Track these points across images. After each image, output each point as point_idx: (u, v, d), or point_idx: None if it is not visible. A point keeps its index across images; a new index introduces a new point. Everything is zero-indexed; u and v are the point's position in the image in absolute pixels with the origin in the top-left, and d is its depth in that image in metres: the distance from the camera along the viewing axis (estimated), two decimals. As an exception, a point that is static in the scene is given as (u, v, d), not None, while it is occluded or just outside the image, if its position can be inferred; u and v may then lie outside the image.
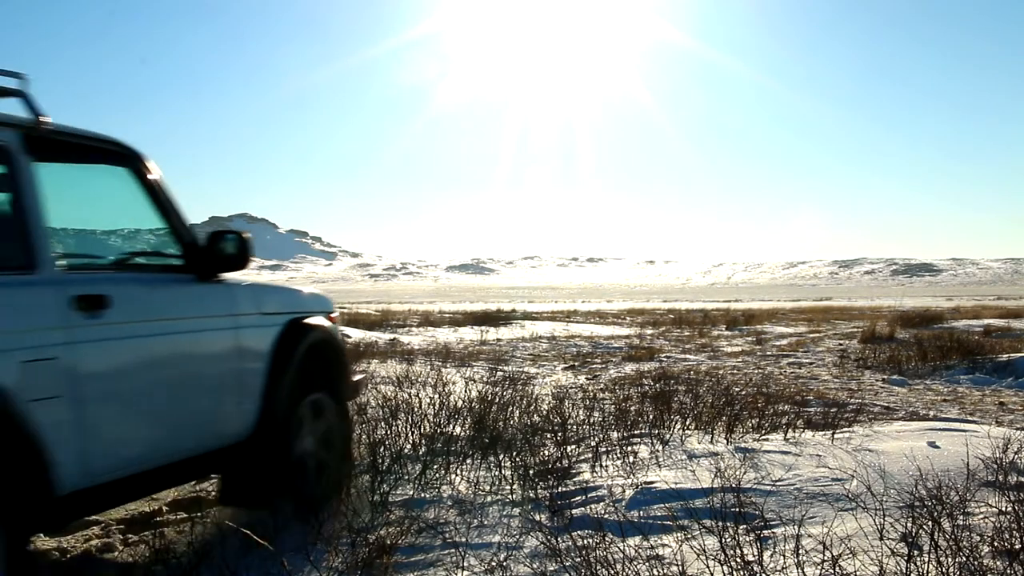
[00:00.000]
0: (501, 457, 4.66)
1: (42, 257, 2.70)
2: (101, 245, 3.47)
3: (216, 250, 3.42)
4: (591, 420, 5.81)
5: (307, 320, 4.02)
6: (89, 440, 2.75)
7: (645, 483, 4.05)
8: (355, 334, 18.82)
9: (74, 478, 2.66)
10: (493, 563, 3.17)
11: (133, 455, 3.00)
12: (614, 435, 5.20)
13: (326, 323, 4.18)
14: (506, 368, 11.98)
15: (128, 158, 3.27)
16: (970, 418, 6.96)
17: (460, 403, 5.94)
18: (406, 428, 5.32)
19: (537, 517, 3.68)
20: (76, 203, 3.52)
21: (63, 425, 2.62)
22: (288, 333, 3.83)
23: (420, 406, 5.88)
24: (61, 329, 2.66)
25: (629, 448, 4.77)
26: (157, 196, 3.35)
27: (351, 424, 4.49)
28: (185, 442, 3.30)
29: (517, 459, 4.61)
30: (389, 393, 6.73)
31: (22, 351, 2.49)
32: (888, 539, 2.97)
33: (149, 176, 3.32)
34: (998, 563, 2.71)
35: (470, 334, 21.79)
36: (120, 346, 2.93)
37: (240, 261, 3.48)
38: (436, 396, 6.21)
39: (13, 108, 2.82)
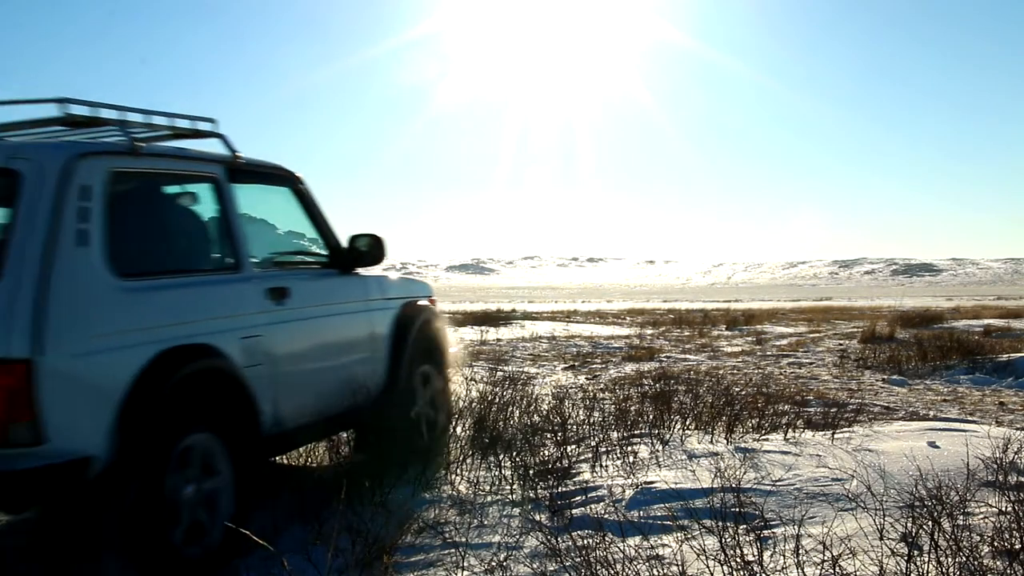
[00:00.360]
0: (501, 457, 4.66)
1: (244, 260, 3.65)
2: (269, 246, 4.33)
3: (353, 250, 4.37)
4: (591, 420, 5.81)
5: (418, 303, 4.96)
6: (280, 397, 3.65)
7: (645, 483, 4.05)
8: (355, 334, 18.80)
9: (269, 425, 3.58)
10: (493, 563, 3.17)
11: (306, 410, 3.90)
12: (614, 435, 5.20)
13: (430, 305, 5.11)
14: (506, 368, 11.98)
15: (290, 180, 4.22)
16: (970, 418, 6.96)
17: (460, 403, 5.94)
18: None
19: (537, 517, 3.68)
20: (256, 215, 4.33)
21: (265, 386, 3.51)
22: (404, 314, 4.75)
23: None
24: (261, 313, 3.60)
25: (629, 448, 4.77)
26: (309, 208, 4.31)
27: (450, 389, 5.31)
28: (339, 400, 4.14)
29: (517, 459, 4.61)
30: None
31: (240, 330, 3.45)
32: (888, 539, 2.97)
33: (304, 193, 4.28)
34: (998, 563, 2.71)
35: (470, 334, 21.80)
36: (297, 326, 3.85)
37: (374, 258, 4.43)
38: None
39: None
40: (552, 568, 3.07)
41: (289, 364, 3.78)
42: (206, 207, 3.76)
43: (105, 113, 3.31)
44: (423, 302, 5.06)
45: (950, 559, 2.63)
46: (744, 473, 4.08)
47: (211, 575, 3.19)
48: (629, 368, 11.81)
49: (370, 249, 4.41)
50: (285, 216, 4.33)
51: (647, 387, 7.71)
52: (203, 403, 3.22)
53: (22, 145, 3.17)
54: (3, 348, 2.61)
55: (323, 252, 4.40)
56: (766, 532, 3.23)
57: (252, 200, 3.99)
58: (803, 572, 2.78)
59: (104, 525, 2.82)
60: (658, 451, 4.68)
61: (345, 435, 4.93)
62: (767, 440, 4.91)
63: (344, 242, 4.43)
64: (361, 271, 4.55)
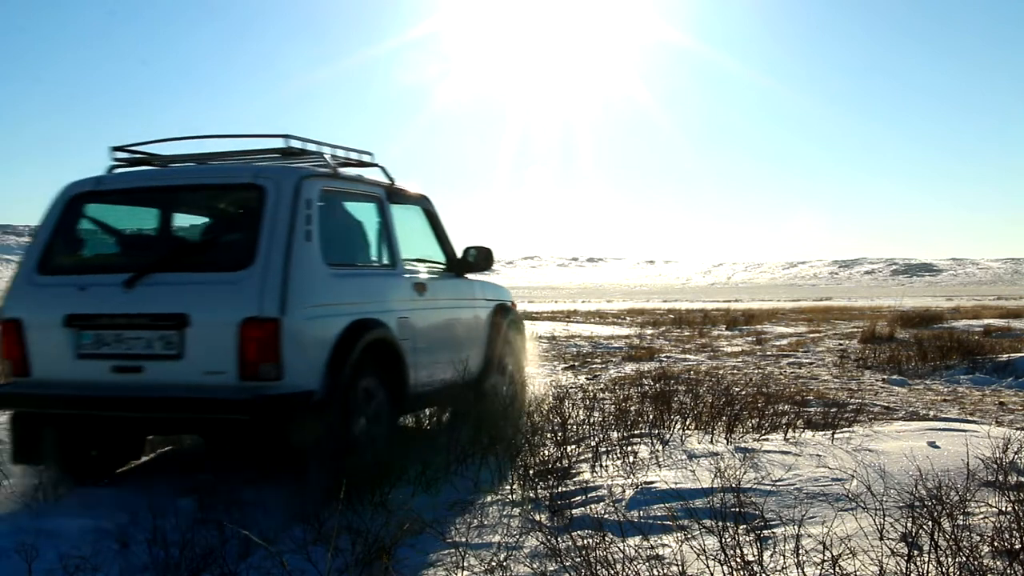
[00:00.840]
0: (501, 457, 4.66)
1: (398, 261, 4.85)
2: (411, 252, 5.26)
3: (464, 258, 5.56)
4: (591, 420, 5.80)
5: (506, 304, 6.15)
6: (418, 364, 4.72)
7: (645, 483, 4.05)
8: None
9: (411, 385, 4.67)
10: (493, 563, 3.17)
11: (433, 378, 5.00)
12: (614, 435, 5.20)
13: (513, 307, 6.30)
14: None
15: (423, 201, 5.41)
16: (970, 418, 6.95)
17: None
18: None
19: (537, 517, 3.68)
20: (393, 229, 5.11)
21: (410, 354, 4.60)
22: (497, 312, 5.96)
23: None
24: (409, 301, 4.76)
25: (629, 448, 4.77)
26: (434, 223, 5.52)
27: (524, 373, 6.58)
28: (453, 374, 5.20)
29: (517, 459, 4.61)
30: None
31: (397, 312, 4.58)
32: (888, 539, 2.97)
33: (431, 211, 5.49)
34: (998, 563, 2.71)
35: (470, 334, 21.77)
36: (431, 313, 5.03)
37: (483, 266, 5.60)
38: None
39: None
40: (552, 568, 3.07)
41: (425, 341, 4.89)
42: (372, 220, 4.90)
43: (295, 143, 4.49)
44: (507, 304, 6.25)
45: (950, 559, 2.63)
46: (744, 473, 4.07)
47: (371, 468, 4.12)
48: (629, 368, 11.81)
49: (480, 258, 5.57)
50: (418, 230, 5.43)
51: (647, 387, 7.71)
52: (375, 359, 4.37)
53: (264, 167, 4.22)
54: (258, 309, 3.73)
55: (442, 260, 5.56)
56: (766, 532, 3.23)
57: (397, 215, 5.09)
58: (803, 572, 2.78)
59: (317, 435, 3.87)
60: (658, 451, 4.68)
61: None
62: (767, 440, 4.91)
63: (459, 252, 5.61)
64: (469, 276, 5.76)
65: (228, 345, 3.79)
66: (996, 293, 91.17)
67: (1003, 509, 3.22)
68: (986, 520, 3.20)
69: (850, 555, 2.82)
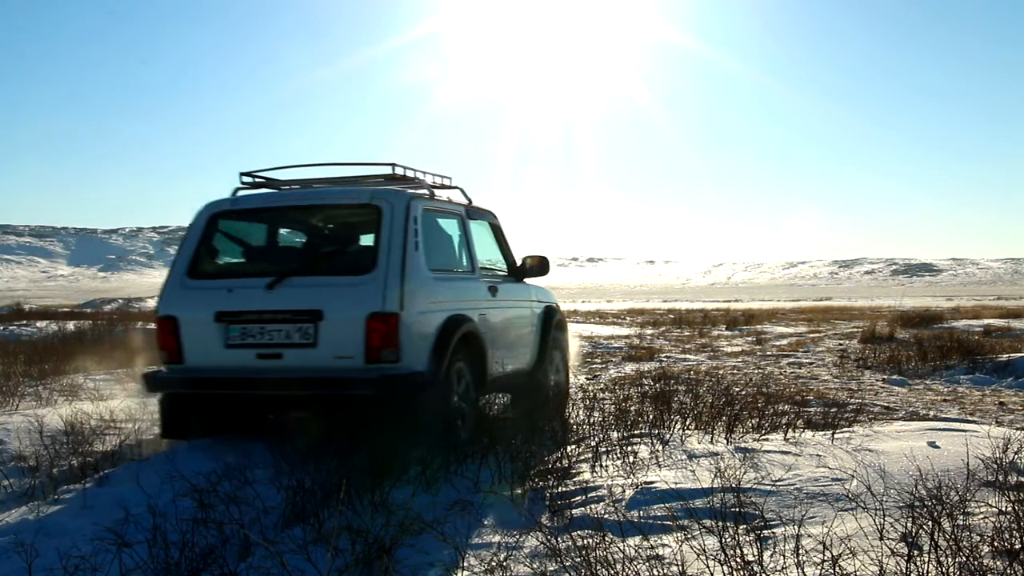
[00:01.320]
0: (501, 457, 4.66)
1: (476, 268, 5.72)
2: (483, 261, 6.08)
3: (523, 265, 6.36)
4: (591, 420, 5.81)
5: (553, 306, 6.94)
6: (492, 353, 5.52)
7: (645, 483, 4.05)
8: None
9: (488, 370, 5.49)
10: (493, 563, 3.17)
11: (503, 366, 5.74)
12: (614, 435, 5.20)
13: (558, 308, 7.09)
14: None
15: (491, 216, 6.30)
16: (970, 418, 6.95)
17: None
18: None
19: (537, 517, 3.68)
20: (473, 240, 5.96)
21: (488, 346, 5.41)
22: (547, 313, 6.72)
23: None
24: (486, 301, 5.58)
25: (629, 448, 4.77)
26: (499, 236, 6.38)
27: (568, 365, 7.39)
28: (515, 364, 6.04)
29: (517, 459, 4.60)
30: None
31: (478, 309, 5.39)
32: (888, 539, 2.97)
33: (497, 226, 6.36)
34: (998, 563, 2.71)
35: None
36: (500, 312, 5.85)
37: (538, 272, 6.42)
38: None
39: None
40: (552, 568, 3.07)
41: (496, 335, 5.67)
42: (456, 233, 5.76)
43: (386, 168, 5.45)
44: (554, 306, 7.03)
45: (950, 559, 2.63)
46: (744, 473, 4.08)
47: (462, 434, 5.06)
48: (629, 368, 11.81)
49: (535, 265, 6.40)
50: (488, 242, 6.27)
51: (647, 387, 7.71)
52: (465, 348, 5.18)
53: (379, 190, 5.07)
54: (382, 306, 4.54)
55: (505, 268, 6.37)
56: (766, 532, 3.23)
57: (473, 228, 5.99)
58: (803, 572, 2.78)
59: (426, 407, 4.72)
60: (658, 451, 4.68)
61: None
62: (767, 440, 4.91)
63: (518, 260, 6.44)
64: (526, 280, 6.58)
65: (356, 335, 4.61)
66: (996, 293, 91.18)
67: (1003, 509, 3.22)
68: (986, 520, 3.20)
69: (850, 555, 2.82)
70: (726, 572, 2.75)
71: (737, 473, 4.03)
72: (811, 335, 19.12)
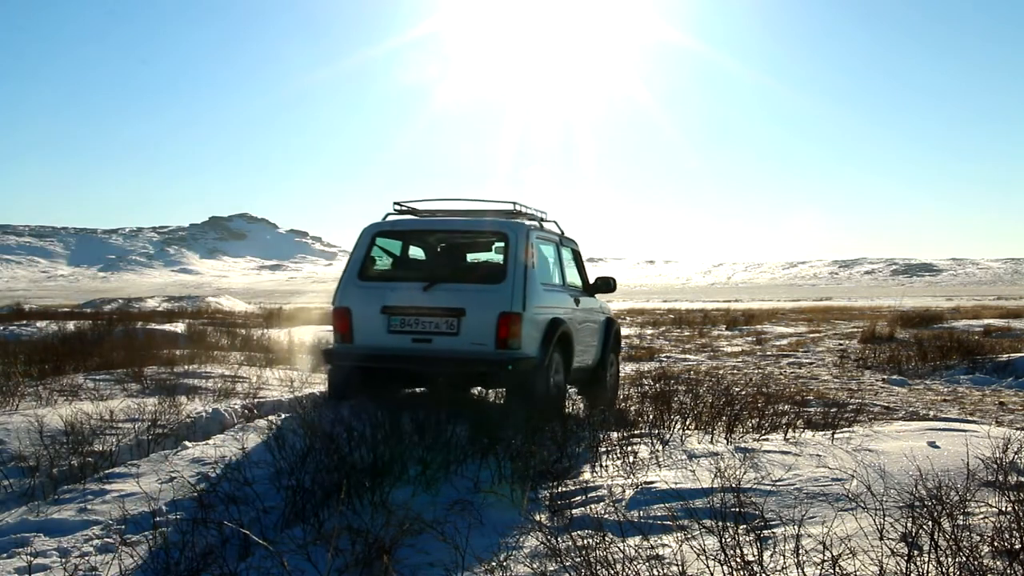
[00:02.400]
0: (501, 457, 4.66)
1: (566, 282, 7.15)
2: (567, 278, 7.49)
3: (596, 283, 7.80)
4: (591, 420, 5.80)
5: (612, 317, 8.47)
6: (576, 350, 6.83)
7: (645, 483, 4.05)
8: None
9: (573, 364, 6.84)
10: (493, 563, 3.17)
11: (580, 360, 7.09)
12: (614, 435, 5.20)
13: (615, 317, 8.64)
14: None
15: (573, 243, 7.72)
16: (970, 418, 6.95)
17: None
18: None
19: (537, 517, 3.68)
20: (564, 262, 7.43)
21: (574, 342, 6.76)
22: (608, 321, 8.24)
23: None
24: (572, 309, 6.85)
25: (629, 448, 4.77)
26: (579, 260, 7.84)
27: (619, 364, 8.97)
28: (587, 361, 7.50)
29: (517, 459, 4.60)
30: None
31: (568, 313, 6.76)
32: (888, 539, 2.97)
33: (576, 249, 7.81)
34: (998, 563, 2.71)
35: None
36: (580, 317, 7.13)
37: (604, 289, 7.86)
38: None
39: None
40: (552, 568, 3.07)
41: (578, 335, 7.02)
42: (553, 255, 7.12)
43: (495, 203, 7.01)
44: (612, 316, 8.54)
45: (950, 559, 2.63)
46: (744, 473, 4.07)
47: (558, 409, 6.36)
48: (629, 368, 11.81)
49: (602, 284, 7.84)
50: (570, 262, 7.59)
51: (647, 387, 7.72)
52: (561, 342, 6.53)
53: (506, 222, 6.54)
54: (509, 307, 5.99)
55: (581, 284, 7.76)
56: (766, 532, 3.23)
57: (561, 254, 7.42)
58: (803, 572, 2.78)
59: (537, 380, 6.10)
60: (658, 451, 4.68)
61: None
62: (767, 440, 4.91)
63: (591, 279, 7.89)
64: (598, 296, 8.09)
65: (489, 327, 6.05)
66: (996, 293, 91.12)
67: (1003, 509, 3.22)
68: (986, 520, 3.20)
69: (850, 555, 2.82)
70: (726, 572, 2.75)
71: (737, 473, 4.03)
72: (811, 335, 19.11)
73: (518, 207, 6.83)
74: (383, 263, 6.94)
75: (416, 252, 7.20)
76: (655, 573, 2.87)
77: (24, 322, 19.35)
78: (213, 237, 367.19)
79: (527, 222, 6.64)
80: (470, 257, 7.32)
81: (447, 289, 6.23)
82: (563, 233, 7.50)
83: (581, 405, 7.37)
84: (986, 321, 20.45)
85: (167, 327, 16.67)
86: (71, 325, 17.13)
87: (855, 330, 19.76)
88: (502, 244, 6.44)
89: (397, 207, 6.98)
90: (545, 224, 7.14)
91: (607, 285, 7.85)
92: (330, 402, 6.54)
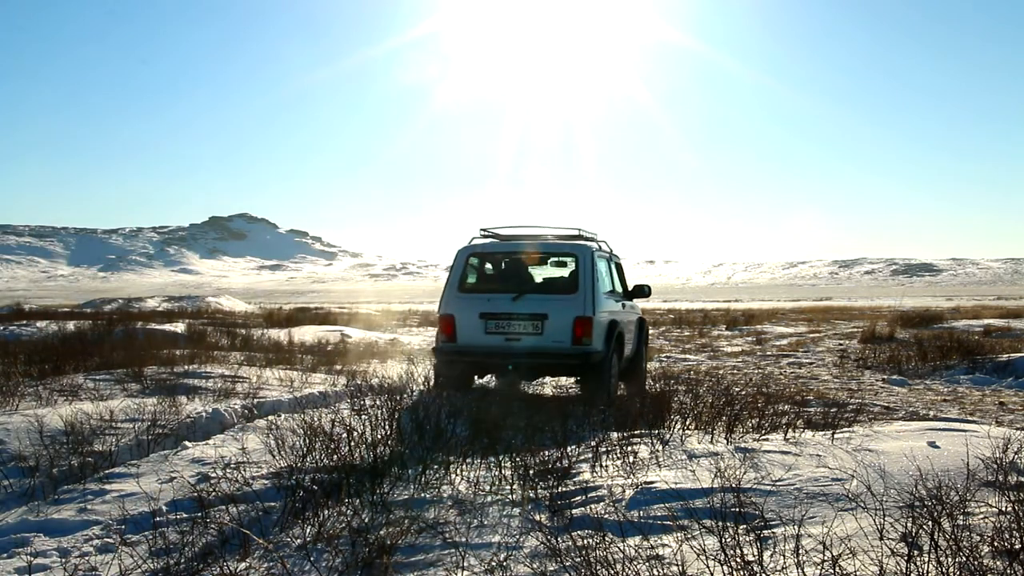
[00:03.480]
0: (501, 457, 4.66)
1: (615, 290, 8.76)
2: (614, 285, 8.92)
3: (633, 290, 9.09)
4: (591, 420, 5.81)
5: (643, 317, 9.91)
6: (624, 345, 8.46)
7: (645, 483, 4.05)
8: (355, 334, 18.79)
9: (623, 355, 8.56)
10: (493, 563, 3.17)
11: (626, 351, 8.59)
12: (614, 435, 5.20)
13: (644, 316, 10.07)
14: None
15: (617, 258, 9.20)
16: (970, 418, 6.95)
17: (460, 403, 5.93)
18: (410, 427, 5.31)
19: (537, 517, 3.68)
20: (608, 273, 8.62)
21: (624, 338, 8.42)
22: (640, 320, 9.63)
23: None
24: (620, 311, 8.44)
25: (629, 448, 4.77)
26: (621, 271, 9.27)
27: (646, 355, 9.96)
28: (629, 353, 8.74)
29: (517, 459, 4.60)
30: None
31: (618, 314, 8.32)
32: (888, 539, 2.97)
33: (619, 263, 9.26)
34: (998, 563, 2.71)
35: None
36: (625, 315, 8.64)
37: (640, 295, 9.09)
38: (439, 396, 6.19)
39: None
40: (552, 568, 3.07)
41: (625, 332, 8.45)
42: (606, 268, 8.53)
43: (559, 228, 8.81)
44: (643, 317, 10.00)
45: (950, 559, 2.63)
46: (744, 473, 4.07)
47: (615, 388, 8.01)
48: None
49: (638, 290, 9.16)
50: (613, 274, 8.93)
51: (647, 387, 7.73)
52: (617, 338, 7.96)
53: (575, 244, 7.95)
54: (582, 312, 7.41)
55: (623, 291, 9.16)
56: (766, 532, 3.22)
57: (608, 268, 8.81)
58: (803, 572, 2.78)
59: (603, 368, 7.52)
60: (658, 451, 4.68)
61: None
62: (767, 440, 4.91)
63: (630, 286, 9.32)
64: (633, 300, 9.50)
65: (567, 328, 7.48)
66: (996, 293, 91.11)
67: (1003, 509, 3.22)
68: (986, 520, 3.20)
69: (850, 555, 2.82)
70: (726, 572, 2.75)
71: (737, 473, 4.03)
72: (811, 335, 19.11)
73: (581, 232, 8.44)
74: (476, 278, 8.30)
75: (502, 268, 8.46)
76: (655, 573, 2.87)
77: (24, 322, 19.35)
78: (213, 237, 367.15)
79: (590, 244, 8.15)
80: (547, 273, 8.80)
81: (532, 299, 7.71)
82: (612, 251, 9.11)
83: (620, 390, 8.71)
84: (986, 321, 20.44)
85: (167, 327, 16.67)
86: (71, 325, 17.13)
87: (855, 330, 19.76)
88: (572, 262, 7.99)
89: (483, 232, 8.56)
90: (601, 244, 8.62)
91: (642, 291, 9.24)
92: (435, 389, 7.77)
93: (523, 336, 7.57)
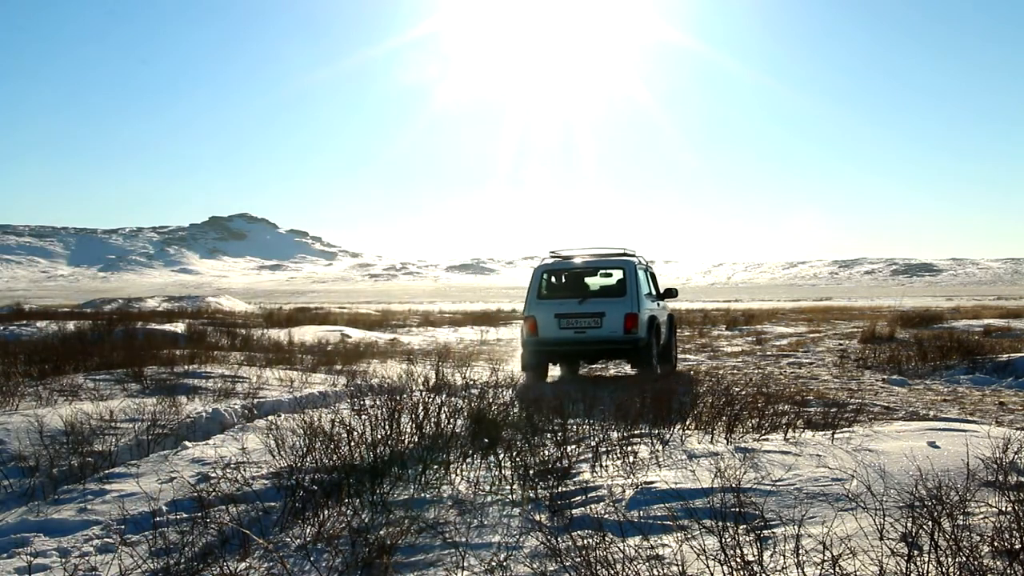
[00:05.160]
0: (501, 457, 4.66)
1: (654, 292, 11.79)
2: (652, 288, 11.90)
3: (664, 292, 12.06)
4: (591, 420, 5.80)
5: (672, 313, 12.91)
6: (659, 335, 11.31)
7: (645, 483, 4.05)
8: (355, 334, 18.78)
9: (659, 343, 11.53)
10: (493, 563, 3.17)
11: (662, 338, 11.48)
12: (614, 435, 5.20)
13: (673, 313, 13.08)
14: (507, 368, 11.95)
15: (651, 266, 12.17)
16: (970, 418, 6.95)
17: (460, 403, 5.92)
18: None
19: (537, 517, 3.68)
20: (646, 280, 11.44)
21: (660, 330, 11.42)
22: (670, 316, 12.48)
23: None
24: (656, 309, 11.33)
25: (629, 448, 4.77)
26: (654, 276, 12.11)
27: (675, 343, 12.72)
28: (663, 340, 11.62)
29: (517, 459, 4.60)
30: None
31: (656, 312, 11.21)
32: (888, 539, 2.97)
33: (653, 272, 12.16)
34: (998, 563, 2.71)
35: (470, 334, 21.76)
36: (660, 314, 11.50)
37: (669, 296, 12.09)
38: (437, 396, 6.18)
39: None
40: (552, 568, 3.07)
41: (660, 323, 11.11)
42: (645, 275, 11.28)
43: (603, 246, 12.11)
44: (672, 313, 12.57)
45: (950, 559, 2.63)
46: (744, 473, 4.07)
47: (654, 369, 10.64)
48: (629, 368, 11.80)
49: (668, 292, 11.90)
50: (649, 281, 11.45)
51: (647, 387, 7.71)
52: (655, 329, 10.78)
53: (620, 260, 10.95)
54: (631, 309, 10.30)
55: (656, 293, 11.65)
56: (766, 532, 3.22)
57: (646, 276, 11.55)
58: (803, 572, 2.78)
59: (649, 352, 10.43)
60: (658, 451, 4.68)
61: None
62: (767, 440, 4.91)
63: (661, 289, 12.00)
64: (667, 299, 12.20)
65: (620, 322, 10.09)
66: (996, 293, 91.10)
67: (1003, 509, 3.22)
68: (986, 520, 3.20)
69: (850, 555, 2.82)
70: (726, 572, 2.75)
71: (737, 473, 4.03)
72: (811, 335, 19.11)
73: (624, 250, 11.13)
74: (550, 288, 10.91)
75: (568, 280, 11.10)
76: (655, 573, 2.87)
77: (24, 322, 19.35)
78: (213, 237, 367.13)
79: (632, 258, 10.97)
80: (601, 282, 11.35)
81: (593, 302, 10.53)
82: (648, 262, 11.89)
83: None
84: (986, 321, 20.45)
85: (167, 327, 16.68)
86: (71, 325, 17.14)
87: (855, 330, 19.76)
88: (620, 273, 10.83)
89: (552, 253, 11.45)
90: (640, 258, 11.33)
91: (671, 293, 12.11)
92: (526, 376, 10.48)
93: (587, 329, 10.30)
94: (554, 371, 11.61)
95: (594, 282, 11.20)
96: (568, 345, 10.29)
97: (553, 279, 10.97)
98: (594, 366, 12.50)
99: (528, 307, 10.51)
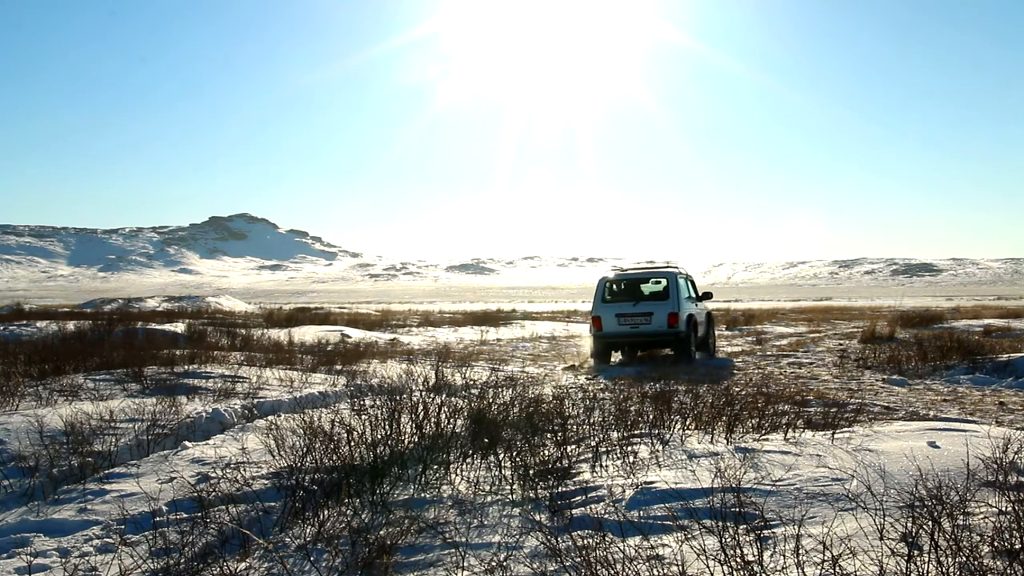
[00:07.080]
0: (501, 457, 4.66)
1: (694, 295, 15.30)
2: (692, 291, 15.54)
3: (701, 295, 15.63)
4: (591, 420, 5.80)
5: (710, 311, 16.73)
6: (698, 329, 14.86)
7: (645, 483, 4.05)
8: (355, 334, 18.79)
9: (698, 335, 15.30)
10: (493, 563, 3.17)
11: (700, 332, 14.86)
12: (614, 435, 5.20)
13: (710, 311, 16.91)
14: (507, 368, 11.97)
15: (689, 276, 15.66)
16: (970, 418, 6.95)
17: (460, 403, 5.92)
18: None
19: (537, 517, 3.68)
20: (686, 286, 15.08)
21: (697, 326, 14.84)
22: (708, 314, 16.07)
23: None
24: (695, 309, 14.78)
25: (629, 448, 4.77)
26: (693, 282, 15.69)
27: (713, 335, 16.33)
28: (702, 334, 15.10)
29: (517, 459, 4.60)
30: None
31: (694, 311, 14.67)
32: (888, 539, 2.97)
33: (691, 278, 15.67)
34: (998, 563, 2.71)
35: (470, 334, 21.77)
36: (698, 312, 14.97)
37: (705, 298, 15.63)
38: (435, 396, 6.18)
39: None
40: (552, 568, 3.07)
41: (698, 319, 14.53)
42: (685, 282, 14.89)
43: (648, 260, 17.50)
44: (710, 311, 16.24)
45: (950, 559, 2.63)
46: (744, 473, 4.07)
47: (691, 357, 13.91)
48: (629, 369, 11.81)
49: (704, 295, 15.49)
50: (688, 288, 14.81)
51: (647, 387, 7.71)
52: (695, 324, 14.26)
53: (665, 271, 14.52)
54: (674, 309, 13.67)
55: (696, 296, 15.19)
56: (766, 532, 3.22)
57: (685, 283, 15.19)
58: (803, 572, 2.78)
59: (689, 342, 13.76)
60: (658, 451, 4.68)
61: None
62: (767, 440, 4.91)
63: (700, 293, 15.65)
64: (704, 303, 15.80)
65: (665, 319, 13.45)
66: (996, 293, 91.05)
67: (1003, 509, 3.22)
68: (986, 520, 3.20)
69: (850, 555, 2.82)
70: (726, 572, 2.75)
71: (737, 473, 4.03)
72: (811, 335, 19.11)
73: (669, 263, 16.20)
74: (611, 294, 14.15)
75: (625, 288, 14.28)
76: (655, 573, 2.87)
77: (24, 322, 19.35)
78: (213, 237, 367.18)
79: (675, 270, 14.13)
80: (651, 288, 14.36)
81: (644, 304, 13.64)
82: (688, 272, 15.06)
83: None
84: (986, 321, 20.44)
85: (167, 327, 16.68)
86: (71, 325, 17.13)
87: (855, 330, 19.76)
88: (665, 281, 13.92)
89: (613, 268, 14.96)
90: (682, 270, 14.51)
91: (708, 296, 15.41)
92: (595, 362, 13.46)
93: (640, 325, 13.45)
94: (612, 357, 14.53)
95: (645, 288, 14.40)
96: (625, 337, 13.58)
97: (614, 287, 14.32)
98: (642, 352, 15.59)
99: (595, 308, 14.03)
